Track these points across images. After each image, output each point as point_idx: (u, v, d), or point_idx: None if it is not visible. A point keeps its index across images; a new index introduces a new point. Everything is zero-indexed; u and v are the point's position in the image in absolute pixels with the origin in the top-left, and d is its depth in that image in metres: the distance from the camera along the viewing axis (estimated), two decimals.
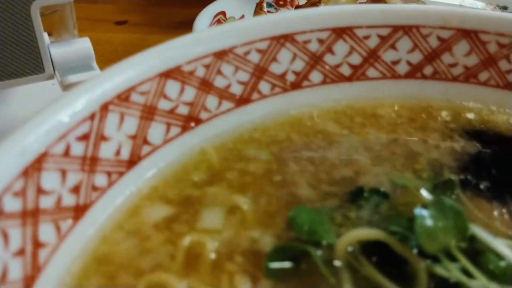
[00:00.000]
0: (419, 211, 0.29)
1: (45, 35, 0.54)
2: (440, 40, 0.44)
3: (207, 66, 0.39)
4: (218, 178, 0.37)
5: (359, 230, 0.31)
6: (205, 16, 0.78)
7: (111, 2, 0.98)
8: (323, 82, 0.43)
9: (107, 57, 0.76)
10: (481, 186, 0.36)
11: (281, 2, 0.85)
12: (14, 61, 0.50)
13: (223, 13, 0.80)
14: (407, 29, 0.43)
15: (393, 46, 0.44)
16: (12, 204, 0.27)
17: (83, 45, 0.54)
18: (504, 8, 0.83)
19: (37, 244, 0.29)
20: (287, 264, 0.31)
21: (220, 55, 0.39)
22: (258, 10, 0.80)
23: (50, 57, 0.52)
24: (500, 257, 0.29)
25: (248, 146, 0.39)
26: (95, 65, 0.55)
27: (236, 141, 0.40)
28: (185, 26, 0.83)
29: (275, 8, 0.85)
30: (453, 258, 0.29)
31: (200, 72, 0.38)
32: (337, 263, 0.30)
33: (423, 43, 0.44)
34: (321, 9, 0.42)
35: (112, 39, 0.83)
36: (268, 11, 0.82)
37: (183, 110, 0.38)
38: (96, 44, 0.71)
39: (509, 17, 0.42)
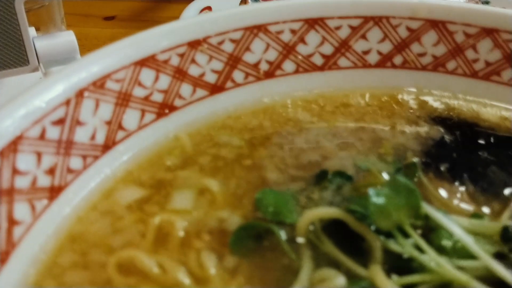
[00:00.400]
0: (373, 190, 0.31)
1: (32, 29, 0.56)
2: (409, 30, 0.45)
3: (181, 55, 0.40)
4: (191, 162, 0.38)
5: (319, 209, 0.33)
6: (191, 11, 0.80)
7: None
8: (296, 71, 0.45)
9: None
10: (442, 168, 0.37)
11: None
12: None
13: (209, 8, 0.81)
14: (377, 20, 0.45)
15: (363, 36, 0.45)
16: None
17: (67, 38, 0.56)
18: (486, 3, 0.85)
19: (12, 222, 0.30)
20: (251, 241, 0.32)
21: (195, 44, 0.41)
22: (243, 4, 0.81)
23: (35, 50, 0.54)
24: (451, 233, 0.30)
25: (221, 132, 0.41)
26: (79, 57, 0.56)
27: (210, 128, 0.41)
28: (173, 21, 0.84)
29: None
30: (408, 235, 0.31)
31: (175, 61, 0.40)
32: (299, 240, 0.32)
33: (393, 33, 0.45)
34: (294, 0, 0.44)
35: (101, 34, 0.85)
36: None
37: (157, 97, 0.40)
38: (84, 39, 0.72)
39: (474, 8, 0.44)
